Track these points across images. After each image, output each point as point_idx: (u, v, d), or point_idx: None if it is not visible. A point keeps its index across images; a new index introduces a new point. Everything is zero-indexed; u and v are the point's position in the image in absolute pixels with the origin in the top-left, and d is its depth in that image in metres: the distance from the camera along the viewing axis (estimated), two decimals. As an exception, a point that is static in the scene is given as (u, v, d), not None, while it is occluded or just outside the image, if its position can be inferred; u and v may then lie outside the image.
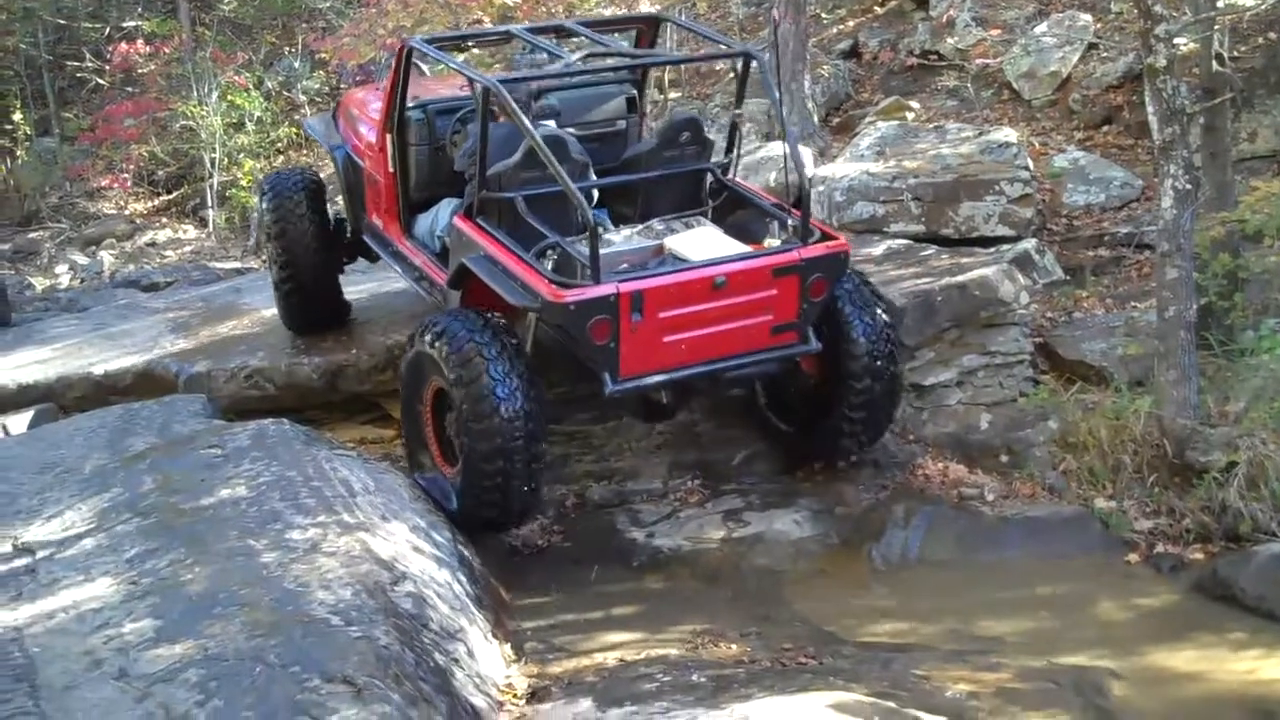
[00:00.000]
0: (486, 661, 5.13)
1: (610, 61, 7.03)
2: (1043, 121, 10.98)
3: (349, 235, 7.78)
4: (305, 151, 15.22)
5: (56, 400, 7.72)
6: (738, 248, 6.20)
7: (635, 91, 7.40)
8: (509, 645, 5.52)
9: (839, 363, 6.42)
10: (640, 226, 6.51)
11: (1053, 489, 6.68)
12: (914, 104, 11.35)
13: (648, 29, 7.54)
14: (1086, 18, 11.39)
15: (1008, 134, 9.57)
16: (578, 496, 6.91)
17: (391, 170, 6.99)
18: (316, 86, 15.67)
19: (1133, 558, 6.19)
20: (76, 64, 16.96)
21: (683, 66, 13.34)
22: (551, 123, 6.67)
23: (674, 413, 6.77)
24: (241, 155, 14.81)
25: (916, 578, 6.23)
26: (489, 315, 6.04)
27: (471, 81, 6.42)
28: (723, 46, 7.56)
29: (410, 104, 6.93)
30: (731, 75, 9.82)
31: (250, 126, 14.93)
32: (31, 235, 15.10)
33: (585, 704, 4.83)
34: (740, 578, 6.24)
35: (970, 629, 5.70)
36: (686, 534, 6.53)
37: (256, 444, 6.12)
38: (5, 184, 16.44)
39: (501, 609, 5.84)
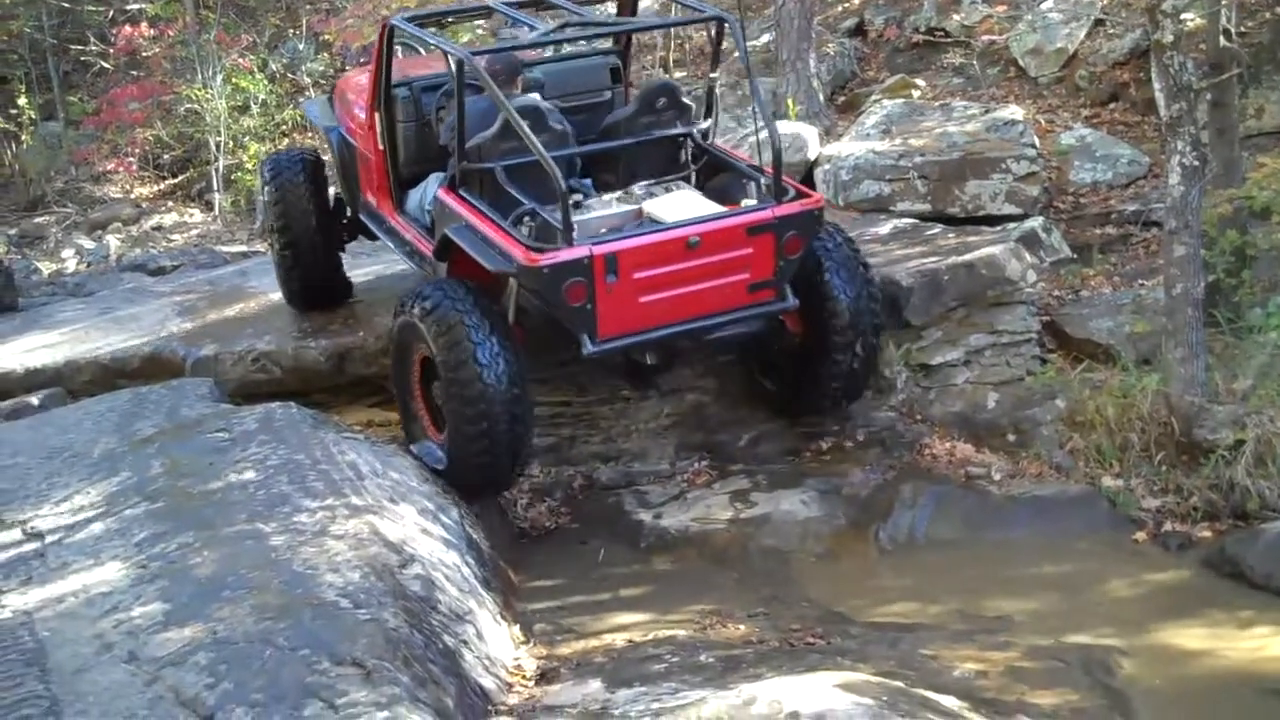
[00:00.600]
0: (495, 643, 5.15)
1: (580, 30, 7.04)
2: (1049, 99, 10.91)
3: (348, 214, 7.84)
4: (310, 134, 15.15)
5: (64, 384, 7.71)
6: (715, 209, 6.24)
7: (619, 61, 7.44)
8: (518, 627, 5.55)
9: (820, 319, 6.49)
10: (620, 192, 6.55)
11: (1060, 468, 6.67)
12: (920, 82, 11.30)
13: None
14: (1093, -7, 11.34)
15: (1014, 111, 9.55)
16: (585, 478, 6.92)
17: (381, 148, 7.03)
18: (321, 69, 15.59)
19: (1140, 536, 6.18)
20: (80, 47, 16.87)
21: (686, 46, 13.29)
22: (536, 95, 6.69)
23: (661, 371, 6.84)
24: (246, 138, 14.73)
25: (924, 557, 6.23)
26: (469, 283, 6.10)
27: (446, 55, 6.48)
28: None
29: (398, 81, 6.97)
30: (735, 54, 9.79)
31: (255, 109, 14.87)
32: (37, 220, 15.04)
33: (594, 685, 4.85)
34: (748, 558, 6.25)
35: (978, 608, 5.71)
36: (694, 515, 6.54)
37: (264, 427, 6.15)
38: (10, 169, 16.37)
39: (510, 591, 5.86)
